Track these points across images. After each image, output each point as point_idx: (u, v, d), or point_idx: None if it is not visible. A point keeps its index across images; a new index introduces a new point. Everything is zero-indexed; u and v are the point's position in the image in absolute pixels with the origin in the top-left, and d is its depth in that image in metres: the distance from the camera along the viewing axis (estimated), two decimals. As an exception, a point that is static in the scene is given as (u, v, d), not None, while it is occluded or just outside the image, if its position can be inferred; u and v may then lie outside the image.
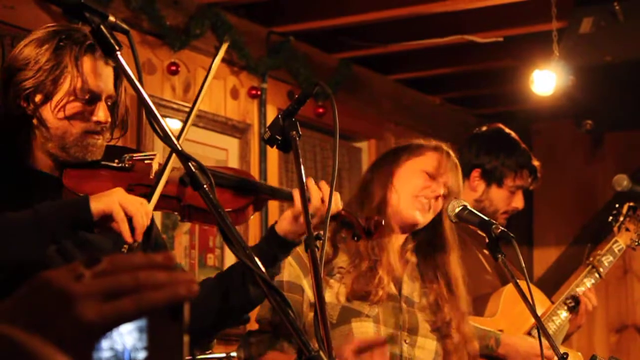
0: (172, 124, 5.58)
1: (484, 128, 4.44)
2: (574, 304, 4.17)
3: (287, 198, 2.74)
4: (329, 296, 3.19)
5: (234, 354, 4.58)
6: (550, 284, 8.21)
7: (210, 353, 4.49)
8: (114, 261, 1.04)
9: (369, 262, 3.21)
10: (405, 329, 3.27)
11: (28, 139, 2.51)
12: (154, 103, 1.91)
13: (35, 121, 2.49)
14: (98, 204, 2.31)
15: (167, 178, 2.50)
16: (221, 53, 2.61)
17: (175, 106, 5.73)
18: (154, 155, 2.64)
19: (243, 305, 2.79)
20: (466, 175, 4.23)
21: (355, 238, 2.77)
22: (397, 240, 3.33)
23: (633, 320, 8.09)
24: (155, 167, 2.58)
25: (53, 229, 2.30)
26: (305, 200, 2.30)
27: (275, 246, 2.74)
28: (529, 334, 4.01)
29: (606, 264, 4.34)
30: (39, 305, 1.00)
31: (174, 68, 5.68)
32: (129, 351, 1.05)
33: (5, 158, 2.52)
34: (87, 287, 1.01)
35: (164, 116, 1.96)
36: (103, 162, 2.55)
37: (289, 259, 3.15)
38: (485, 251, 4.14)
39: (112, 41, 1.94)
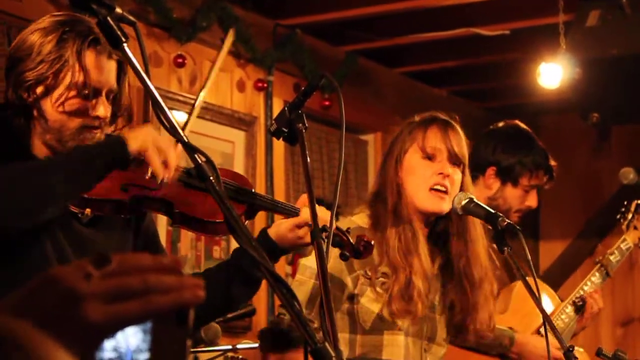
0: (178, 117, 5.59)
1: (501, 124, 4.33)
2: (582, 304, 4.16)
3: (287, 213, 2.68)
4: (368, 301, 3.17)
5: (240, 345, 4.59)
6: (556, 277, 8.22)
7: (217, 345, 4.50)
8: (123, 262, 1.04)
9: (405, 272, 3.16)
10: (426, 338, 3.27)
11: (27, 127, 2.50)
12: (161, 95, 1.91)
13: (35, 112, 2.48)
14: (134, 143, 2.34)
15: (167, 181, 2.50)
16: (227, 43, 2.59)
17: (181, 98, 5.73)
18: None
19: (225, 305, 2.75)
20: (481, 172, 4.18)
21: (342, 257, 2.71)
22: (425, 231, 3.28)
23: (639, 313, 8.09)
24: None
25: (94, 167, 2.34)
26: (312, 192, 2.29)
27: (264, 249, 2.65)
28: (538, 331, 4.00)
29: (614, 263, 4.32)
30: (46, 302, 1.00)
31: (180, 60, 5.69)
32: (131, 352, 1.05)
33: (4, 144, 2.51)
34: (95, 288, 1.01)
35: (170, 108, 1.95)
36: None
37: (336, 252, 3.13)
38: (495, 246, 4.12)
39: (118, 33, 1.94)
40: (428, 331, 3.27)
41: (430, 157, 3.25)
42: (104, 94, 2.50)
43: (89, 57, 2.47)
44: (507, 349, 3.82)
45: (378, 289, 3.16)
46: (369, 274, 3.17)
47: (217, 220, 2.49)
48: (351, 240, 2.68)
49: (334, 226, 2.31)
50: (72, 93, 2.46)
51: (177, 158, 2.39)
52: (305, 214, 2.63)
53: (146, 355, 1.05)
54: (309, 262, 3.13)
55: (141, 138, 2.36)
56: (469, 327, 3.30)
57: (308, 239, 2.63)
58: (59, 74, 2.45)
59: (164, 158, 2.36)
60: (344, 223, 3.25)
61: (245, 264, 2.63)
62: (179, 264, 1.07)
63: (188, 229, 2.58)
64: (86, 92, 2.46)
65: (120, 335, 1.03)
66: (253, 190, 2.68)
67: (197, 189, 2.50)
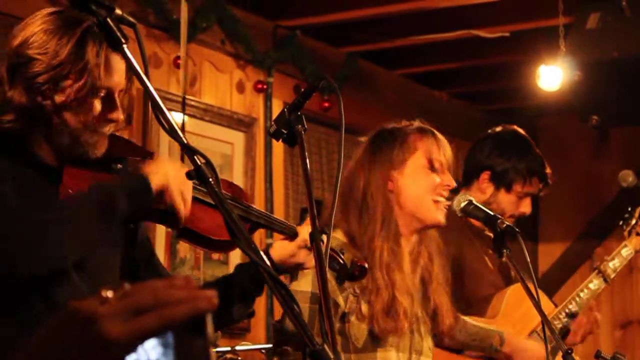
0: (177, 118, 5.58)
1: (499, 128, 4.31)
2: (573, 313, 4.15)
3: (283, 232, 2.69)
4: (356, 319, 3.15)
5: (239, 347, 4.59)
6: (555, 279, 8.22)
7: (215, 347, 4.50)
8: (137, 285, 1.09)
9: (387, 290, 3.14)
10: (415, 351, 3.26)
11: (35, 128, 2.40)
12: (160, 97, 1.91)
13: (54, 118, 2.38)
14: (156, 178, 2.37)
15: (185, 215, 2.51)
16: None
17: (181, 100, 5.73)
18: None
19: (222, 320, 2.73)
20: (476, 176, 4.18)
21: (338, 281, 2.70)
22: (409, 244, 3.26)
23: (638, 315, 8.10)
24: None
25: (117, 208, 2.33)
26: (311, 194, 2.29)
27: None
28: (530, 335, 4.00)
29: (613, 269, 4.29)
30: (70, 333, 1.05)
31: (180, 62, 5.68)
32: None
33: (6, 144, 2.41)
34: (112, 308, 1.06)
35: (169, 110, 1.95)
36: (102, 165, 2.49)
37: (329, 273, 3.12)
38: (490, 251, 4.11)
39: (118, 34, 1.94)
40: (416, 344, 3.26)
41: (434, 168, 3.24)
42: (117, 94, 2.42)
43: (108, 59, 2.39)
44: (497, 349, 3.81)
45: (363, 303, 3.15)
46: (357, 291, 3.15)
47: (222, 239, 2.48)
48: (346, 264, 2.67)
49: (331, 231, 2.31)
50: (90, 96, 2.37)
51: (191, 192, 2.42)
52: (304, 233, 2.64)
53: None
54: (300, 286, 3.09)
55: (162, 172, 2.39)
56: (456, 326, 3.32)
57: (309, 263, 2.66)
58: (79, 79, 2.36)
59: (183, 192, 2.39)
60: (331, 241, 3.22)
61: (244, 282, 2.65)
62: (190, 281, 1.11)
63: (191, 243, 2.56)
64: (102, 94, 2.39)
65: (140, 350, 1.06)
66: (250, 205, 2.65)
67: (206, 205, 2.48)
